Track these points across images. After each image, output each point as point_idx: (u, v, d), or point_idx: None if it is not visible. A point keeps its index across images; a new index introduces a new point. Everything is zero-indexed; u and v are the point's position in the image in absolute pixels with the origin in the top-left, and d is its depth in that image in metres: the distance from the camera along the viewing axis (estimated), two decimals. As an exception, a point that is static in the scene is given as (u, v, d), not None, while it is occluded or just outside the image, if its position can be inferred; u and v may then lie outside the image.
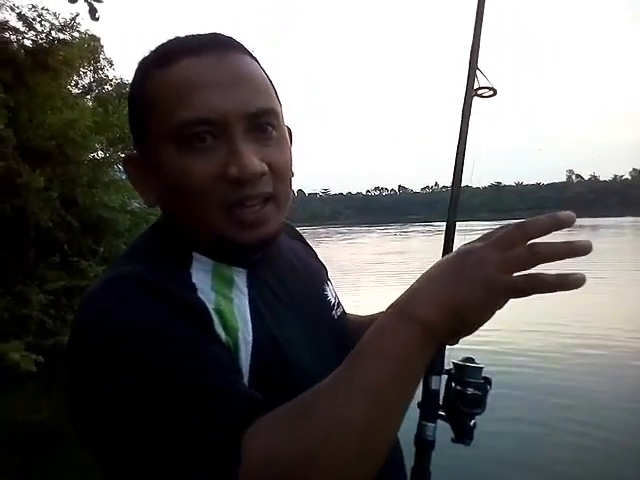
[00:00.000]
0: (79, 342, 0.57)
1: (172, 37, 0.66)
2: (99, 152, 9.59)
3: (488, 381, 0.72)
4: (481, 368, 0.73)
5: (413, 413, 0.78)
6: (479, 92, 0.82)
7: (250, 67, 0.63)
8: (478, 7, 0.82)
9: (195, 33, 0.66)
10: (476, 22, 0.82)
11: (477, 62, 0.82)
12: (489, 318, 0.52)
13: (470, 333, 0.53)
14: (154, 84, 0.63)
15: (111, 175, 9.60)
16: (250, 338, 0.61)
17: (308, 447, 0.48)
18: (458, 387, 0.72)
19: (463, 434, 0.73)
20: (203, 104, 0.60)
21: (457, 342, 0.58)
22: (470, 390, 0.71)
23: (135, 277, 0.58)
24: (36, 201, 7.35)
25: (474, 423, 0.72)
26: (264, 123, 0.62)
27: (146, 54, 0.66)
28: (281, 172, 0.63)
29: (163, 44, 0.66)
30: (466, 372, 0.72)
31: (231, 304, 0.62)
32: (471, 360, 0.73)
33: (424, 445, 0.75)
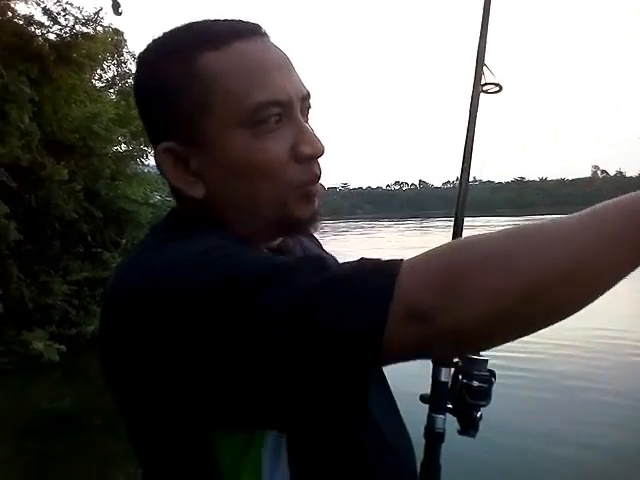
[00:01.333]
0: (164, 288, 0.52)
1: (196, 21, 0.63)
2: (122, 145, 9.71)
3: (492, 373, 0.73)
4: (486, 360, 0.74)
5: (422, 406, 0.78)
6: (484, 88, 0.84)
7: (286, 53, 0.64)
8: (485, 5, 0.83)
9: (219, 19, 0.63)
10: (483, 20, 0.83)
11: (484, 59, 0.83)
12: None
13: None
14: (211, 66, 0.59)
15: (133, 168, 9.72)
16: None
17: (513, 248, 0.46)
18: (465, 380, 0.73)
19: (469, 426, 0.74)
20: (276, 86, 0.59)
21: None
22: (476, 382, 0.72)
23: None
24: (60, 193, 7.47)
25: (480, 415, 0.73)
26: (307, 106, 0.64)
27: (160, 41, 0.62)
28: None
29: (198, 27, 0.62)
30: (472, 364, 0.73)
31: None
32: (475, 354, 0.74)
33: (434, 437, 0.76)
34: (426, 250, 0.49)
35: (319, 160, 0.64)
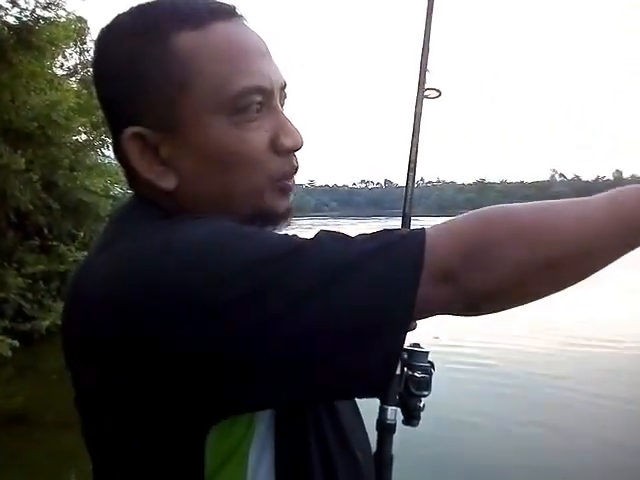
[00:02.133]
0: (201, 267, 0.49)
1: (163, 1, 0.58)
2: (82, 135, 9.45)
3: (432, 364, 0.76)
4: (427, 352, 0.76)
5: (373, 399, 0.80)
6: (426, 93, 0.88)
7: None
8: (427, 12, 0.87)
9: None
10: (426, 25, 0.87)
11: (427, 65, 0.88)
12: None
13: None
14: (190, 47, 0.55)
15: (94, 159, 9.47)
16: None
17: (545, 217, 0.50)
18: (409, 371, 0.75)
19: (412, 416, 0.77)
20: (259, 72, 0.57)
21: None
22: (419, 373, 0.74)
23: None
24: (16, 183, 7.22)
25: (423, 405, 0.76)
26: (285, 95, 0.62)
27: (127, 16, 0.57)
28: None
29: (171, 5, 0.57)
30: (414, 356, 0.76)
31: None
32: (417, 345, 0.77)
33: (386, 429, 0.78)
34: (452, 218, 0.53)
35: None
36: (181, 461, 0.54)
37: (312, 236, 0.52)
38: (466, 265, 0.49)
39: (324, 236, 0.52)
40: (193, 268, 0.49)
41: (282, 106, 0.61)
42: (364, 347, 0.49)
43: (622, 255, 0.52)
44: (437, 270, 0.49)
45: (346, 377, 0.50)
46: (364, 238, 0.52)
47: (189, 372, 0.49)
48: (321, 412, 0.62)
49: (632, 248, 0.52)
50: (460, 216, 0.53)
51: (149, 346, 0.49)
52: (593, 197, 0.52)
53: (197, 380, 0.50)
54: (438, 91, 0.87)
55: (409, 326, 0.51)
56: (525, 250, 0.49)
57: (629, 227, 0.51)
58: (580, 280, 0.52)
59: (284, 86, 0.61)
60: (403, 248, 0.50)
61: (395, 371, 0.52)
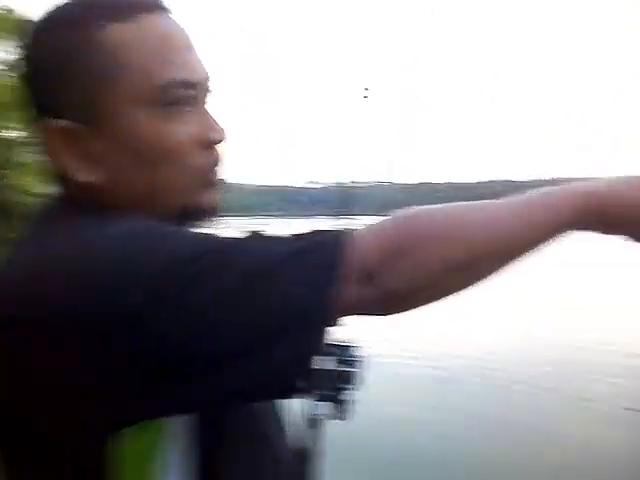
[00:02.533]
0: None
1: None
2: (14, 132, 9.02)
3: (364, 359, 0.77)
4: (359, 347, 0.78)
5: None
6: (361, 93, 0.97)
7: None
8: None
9: None
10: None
11: (360, 64, 0.95)
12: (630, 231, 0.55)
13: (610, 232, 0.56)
14: (117, 38, 0.55)
15: (28, 156, 9.06)
16: None
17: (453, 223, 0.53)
18: (339, 366, 0.76)
19: (342, 410, 0.77)
20: (185, 65, 0.57)
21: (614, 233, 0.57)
22: (350, 368, 0.76)
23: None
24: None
25: (351, 399, 0.77)
26: (208, 90, 0.62)
27: (57, 10, 0.57)
28: None
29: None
30: (346, 351, 0.77)
31: None
32: (350, 341, 0.78)
33: (315, 423, 0.80)
34: (382, 219, 0.54)
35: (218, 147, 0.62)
36: (87, 466, 0.52)
37: (234, 235, 0.53)
38: (383, 266, 0.51)
39: (246, 236, 0.53)
40: (110, 271, 0.48)
41: (205, 100, 0.61)
42: (280, 348, 0.49)
43: (526, 256, 0.55)
44: (357, 270, 0.50)
45: (261, 378, 0.50)
46: (289, 239, 0.53)
47: (101, 377, 0.49)
48: (239, 410, 0.61)
49: (538, 248, 0.55)
50: (388, 217, 0.54)
51: (61, 351, 0.49)
52: (505, 202, 0.55)
53: (110, 385, 0.49)
54: (367, 90, 0.91)
55: (326, 325, 0.51)
56: (436, 254, 0.52)
57: (536, 230, 0.54)
58: (488, 278, 0.55)
59: (208, 80, 0.61)
60: (322, 249, 0.51)
61: (311, 371, 0.52)
